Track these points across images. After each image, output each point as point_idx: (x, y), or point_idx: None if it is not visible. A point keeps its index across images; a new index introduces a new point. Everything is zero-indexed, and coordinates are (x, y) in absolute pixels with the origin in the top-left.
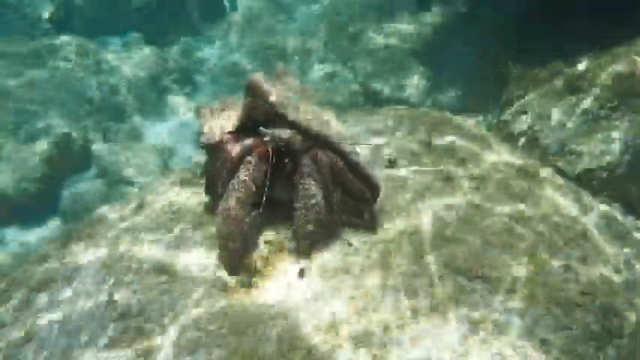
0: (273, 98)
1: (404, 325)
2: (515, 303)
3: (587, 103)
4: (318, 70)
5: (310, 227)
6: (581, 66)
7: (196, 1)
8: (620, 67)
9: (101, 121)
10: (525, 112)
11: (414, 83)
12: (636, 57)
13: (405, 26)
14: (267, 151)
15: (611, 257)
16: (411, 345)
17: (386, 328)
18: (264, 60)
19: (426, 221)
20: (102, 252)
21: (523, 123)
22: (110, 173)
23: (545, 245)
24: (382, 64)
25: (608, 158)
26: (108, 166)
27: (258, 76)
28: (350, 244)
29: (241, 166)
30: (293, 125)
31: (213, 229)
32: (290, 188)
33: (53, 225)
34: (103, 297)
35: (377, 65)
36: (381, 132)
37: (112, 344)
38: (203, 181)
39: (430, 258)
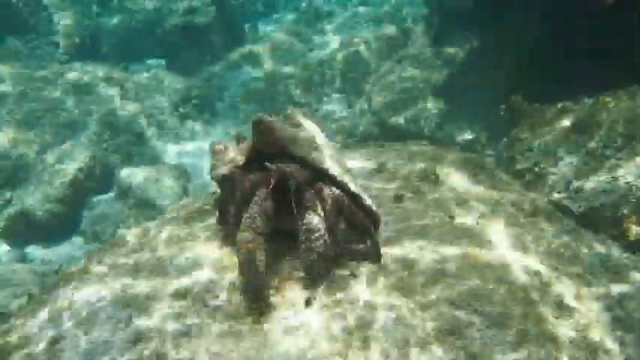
0: (277, 135)
1: None
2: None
3: (592, 142)
4: (334, 100)
5: (314, 258)
6: (588, 106)
7: (219, 29)
8: (624, 108)
9: (123, 144)
10: (532, 150)
11: (428, 116)
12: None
13: (420, 61)
14: (271, 184)
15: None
16: None
17: None
18: (283, 88)
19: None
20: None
21: (530, 160)
22: (130, 196)
23: None
24: (397, 96)
25: (612, 198)
26: (128, 188)
27: (263, 115)
28: (354, 276)
29: (253, 200)
30: (297, 160)
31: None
32: (295, 221)
33: (75, 245)
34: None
35: (392, 97)
36: (389, 168)
37: None
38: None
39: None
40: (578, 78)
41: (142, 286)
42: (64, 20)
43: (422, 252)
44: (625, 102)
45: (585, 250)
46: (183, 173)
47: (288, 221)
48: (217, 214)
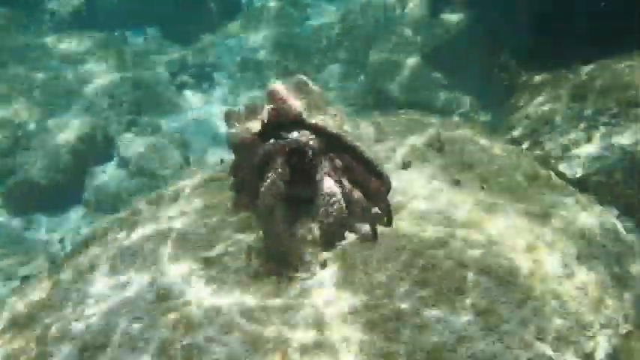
0: (291, 105)
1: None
2: None
3: (588, 109)
4: (331, 70)
5: (331, 221)
6: (584, 74)
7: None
8: (618, 76)
9: (122, 114)
10: (529, 117)
11: (424, 85)
12: (636, 68)
13: (416, 30)
14: (288, 152)
15: None
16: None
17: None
18: (281, 57)
19: None
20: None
21: (527, 127)
22: (132, 165)
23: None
24: (393, 66)
25: (607, 163)
26: (129, 157)
27: (278, 85)
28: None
29: (271, 166)
30: (311, 128)
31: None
32: (312, 187)
33: (77, 213)
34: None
35: (388, 67)
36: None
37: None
38: (231, 179)
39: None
40: (574, 46)
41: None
42: None
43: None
44: (619, 70)
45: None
46: (183, 143)
47: (302, 188)
48: (231, 179)
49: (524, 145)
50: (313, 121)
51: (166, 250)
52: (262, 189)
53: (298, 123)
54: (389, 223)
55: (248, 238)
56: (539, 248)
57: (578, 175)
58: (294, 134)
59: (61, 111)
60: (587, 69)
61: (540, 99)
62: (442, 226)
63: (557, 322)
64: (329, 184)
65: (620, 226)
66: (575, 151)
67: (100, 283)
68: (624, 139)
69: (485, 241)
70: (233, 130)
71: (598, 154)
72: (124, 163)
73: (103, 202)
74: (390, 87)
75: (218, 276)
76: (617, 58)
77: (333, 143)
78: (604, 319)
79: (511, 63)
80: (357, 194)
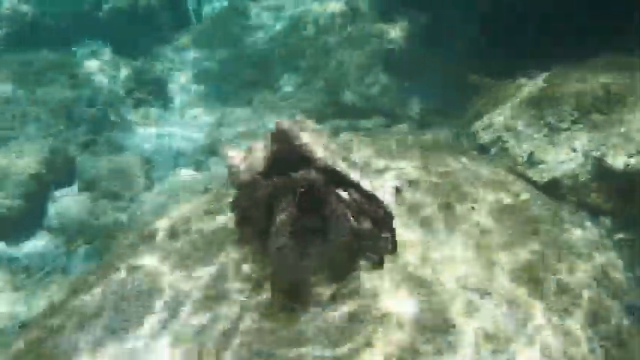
0: (301, 141)
1: None
2: None
3: (549, 116)
4: (287, 80)
5: (343, 239)
6: (545, 81)
7: (164, 11)
8: (580, 84)
9: (80, 134)
10: (493, 125)
11: (382, 93)
12: (594, 76)
13: (369, 37)
14: (296, 191)
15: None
16: None
17: None
18: (236, 68)
19: None
20: None
21: (492, 134)
22: (94, 187)
23: None
24: (350, 74)
25: (571, 167)
26: (91, 179)
27: (286, 122)
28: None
29: (280, 206)
30: (317, 165)
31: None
32: (320, 221)
33: (41, 239)
34: None
35: (345, 75)
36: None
37: None
38: (231, 214)
39: None
40: (540, 51)
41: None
42: (0, 7)
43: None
44: (576, 77)
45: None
46: (146, 161)
47: (310, 222)
48: (236, 218)
49: (492, 151)
50: (321, 159)
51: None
52: (274, 229)
53: (305, 161)
54: (394, 250)
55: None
56: None
57: (545, 180)
58: (301, 173)
59: (17, 134)
60: (544, 76)
61: (503, 106)
62: None
63: None
64: (340, 216)
65: None
66: (540, 157)
67: None
68: (586, 143)
69: None
70: (233, 166)
71: (562, 159)
72: (85, 185)
73: (68, 227)
74: (348, 95)
75: None
76: (573, 65)
77: (338, 180)
78: None
79: (473, 75)
80: (366, 224)
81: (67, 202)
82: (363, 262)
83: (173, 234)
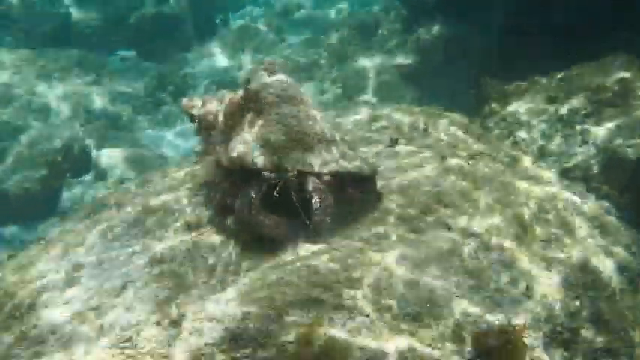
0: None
1: None
2: None
3: (563, 110)
4: (306, 87)
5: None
6: (558, 78)
7: (191, 20)
8: (595, 79)
9: (99, 129)
10: (505, 120)
11: (400, 99)
12: (611, 72)
13: (392, 47)
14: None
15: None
16: None
17: None
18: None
19: None
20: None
21: (504, 129)
22: (108, 178)
23: None
24: (370, 81)
25: (582, 159)
26: (106, 171)
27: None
28: None
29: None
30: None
31: None
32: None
33: (52, 226)
34: None
35: (365, 83)
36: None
37: None
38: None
39: None
40: (553, 51)
41: None
42: (35, 8)
43: None
44: (592, 73)
45: None
46: (160, 157)
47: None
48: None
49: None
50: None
51: None
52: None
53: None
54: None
55: None
56: None
57: (555, 171)
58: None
59: (38, 124)
60: (560, 74)
61: (516, 103)
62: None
63: None
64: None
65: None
66: (551, 149)
67: None
68: (598, 137)
69: None
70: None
71: (574, 152)
72: (101, 175)
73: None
74: (366, 99)
75: None
76: (589, 63)
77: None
78: None
79: (483, 75)
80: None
81: (81, 190)
82: None
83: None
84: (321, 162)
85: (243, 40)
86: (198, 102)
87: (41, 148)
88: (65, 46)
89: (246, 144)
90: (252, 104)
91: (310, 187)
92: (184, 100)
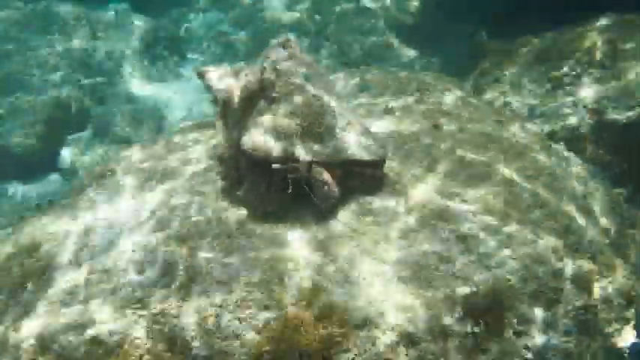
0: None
1: None
2: None
3: (553, 71)
4: (305, 44)
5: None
6: (549, 40)
7: None
8: (585, 40)
9: (97, 84)
10: (498, 81)
11: (395, 55)
12: (601, 33)
13: (385, 6)
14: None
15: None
16: None
17: None
18: (253, 31)
19: None
20: None
21: (496, 90)
22: (107, 134)
23: None
24: (365, 37)
25: (572, 120)
26: (104, 126)
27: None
28: None
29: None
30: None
31: None
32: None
33: (53, 182)
34: None
35: (361, 39)
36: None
37: None
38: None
39: None
40: (545, 13)
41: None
42: None
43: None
44: (581, 33)
45: None
46: (157, 112)
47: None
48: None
49: (495, 106)
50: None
51: None
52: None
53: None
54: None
55: None
56: None
57: (544, 132)
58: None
59: (35, 80)
60: (551, 34)
61: (508, 63)
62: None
63: None
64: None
65: None
66: (541, 110)
67: None
68: (587, 97)
69: None
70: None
71: (563, 112)
72: (98, 132)
73: (79, 171)
74: (361, 57)
75: None
76: (579, 26)
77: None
78: None
79: (481, 32)
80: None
81: (80, 146)
82: None
83: None
84: (331, 151)
85: None
86: (214, 74)
87: (40, 104)
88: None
89: (259, 133)
90: (267, 92)
91: (320, 177)
92: (201, 69)
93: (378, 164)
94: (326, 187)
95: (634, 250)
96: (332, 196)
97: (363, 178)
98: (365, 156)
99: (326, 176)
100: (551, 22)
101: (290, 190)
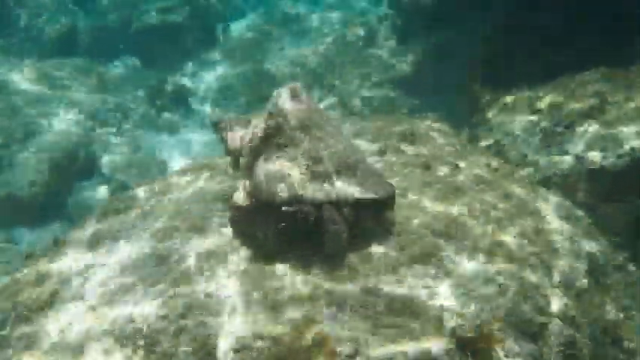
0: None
1: None
2: None
3: (545, 122)
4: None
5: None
6: (541, 92)
7: (193, 28)
8: (575, 93)
9: (103, 134)
10: (492, 130)
11: (396, 107)
12: (591, 86)
13: (386, 58)
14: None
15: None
16: None
17: None
18: (255, 85)
19: None
20: None
21: (490, 138)
22: (113, 181)
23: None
24: (364, 91)
25: (562, 168)
26: (110, 174)
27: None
28: None
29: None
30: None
31: None
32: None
33: (59, 228)
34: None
35: (358, 91)
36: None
37: None
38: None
39: None
40: (531, 66)
41: None
42: (41, 18)
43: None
44: (573, 87)
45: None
46: (161, 162)
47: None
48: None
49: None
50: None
51: None
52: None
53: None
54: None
55: None
56: None
57: (537, 179)
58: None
59: (45, 129)
60: (543, 87)
61: (503, 114)
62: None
63: None
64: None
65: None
66: (533, 158)
67: None
68: (576, 147)
69: None
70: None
71: (554, 161)
72: (105, 179)
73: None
74: (357, 108)
75: None
76: (573, 78)
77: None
78: None
79: (476, 85)
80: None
81: (86, 194)
82: None
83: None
84: (339, 192)
85: (243, 48)
86: (226, 124)
87: (49, 153)
88: (70, 55)
89: (267, 178)
90: (274, 139)
91: (326, 218)
92: (215, 118)
93: (387, 202)
94: (336, 227)
95: (619, 289)
96: (342, 236)
97: (374, 220)
98: (373, 195)
99: (336, 215)
100: (545, 70)
101: (299, 231)
